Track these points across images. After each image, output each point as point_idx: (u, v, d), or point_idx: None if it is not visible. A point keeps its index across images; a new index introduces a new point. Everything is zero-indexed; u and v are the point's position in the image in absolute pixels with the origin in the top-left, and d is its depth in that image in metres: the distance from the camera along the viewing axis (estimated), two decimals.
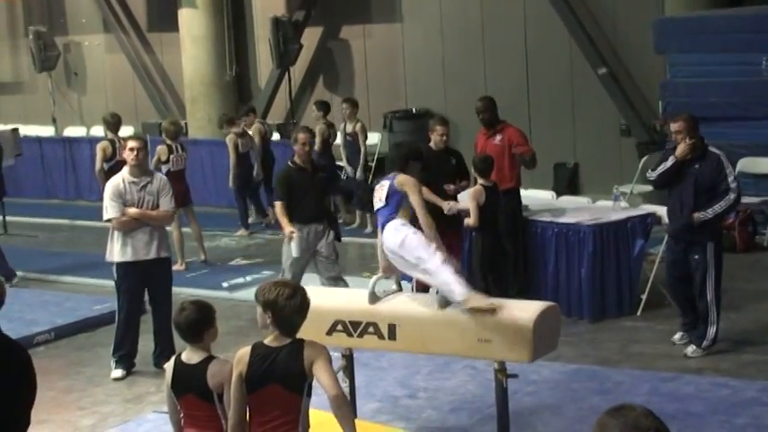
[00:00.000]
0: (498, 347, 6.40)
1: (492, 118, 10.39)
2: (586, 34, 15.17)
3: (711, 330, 8.63)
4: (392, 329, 6.66)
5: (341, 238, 10.00)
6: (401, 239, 6.65)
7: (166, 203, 8.99)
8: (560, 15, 15.26)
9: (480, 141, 10.47)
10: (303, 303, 4.94)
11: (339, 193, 14.37)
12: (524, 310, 6.48)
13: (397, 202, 6.79)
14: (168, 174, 11.14)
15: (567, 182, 15.28)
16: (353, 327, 6.77)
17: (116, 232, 8.84)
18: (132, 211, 8.81)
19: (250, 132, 14.58)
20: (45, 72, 19.43)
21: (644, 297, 9.89)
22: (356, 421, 5.00)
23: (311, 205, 9.42)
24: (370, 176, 13.89)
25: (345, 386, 6.74)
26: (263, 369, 4.88)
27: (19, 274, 12.16)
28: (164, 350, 8.79)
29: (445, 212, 9.47)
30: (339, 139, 14.12)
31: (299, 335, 4.97)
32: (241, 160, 14.11)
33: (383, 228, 6.82)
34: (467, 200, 9.81)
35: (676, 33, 13.07)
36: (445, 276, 6.49)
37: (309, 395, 4.94)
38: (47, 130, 19.25)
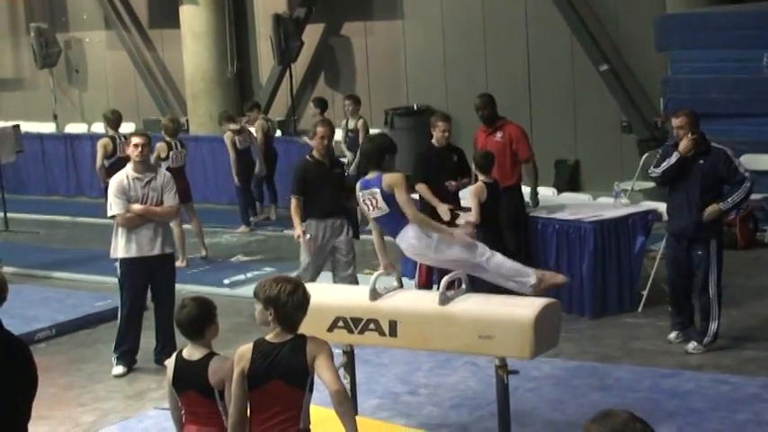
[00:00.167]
0: (499, 344, 6.41)
1: (492, 115, 10.38)
2: (588, 31, 15.16)
3: (713, 326, 8.64)
4: (393, 326, 6.67)
5: (359, 235, 9.90)
6: (434, 245, 6.84)
7: (171, 199, 8.99)
8: (562, 12, 15.25)
9: (480, 138, 10.46)
10: (304, 299, 4.94)
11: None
12: (525, 307, 6.48)
13: (398, 205, 6.86)
14: (168, 171, 11.12)
15: (568, 178, 15.28)
16: (354, 323, 6.77)
17: (120, 228, 8.85)
18: (137, 207, 8.81)
19: (253, 128, 14.59)
20: (46, 69, 19.42)
21: (645, 294, 9.90)
22: (357, 418, 5.01)
23: (328, 200, 9.27)
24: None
25: (346, 383, 6.73)
26: (265, 365, 4.88)
27: (20, 270, 12.16)
28: (165, 347, 8.80)
29: (442, 218, 9.41)
30: (340, 136, 14.11)
31: (300, 331, 4.97)
32: (240, 156, 14.11)
33: (396, 235, 6.97)
34: (468, 197, 9.81)
35: (678, 30, 13.07)
36: (509, 264, 6.91)
37: (311, 391, 4.94)
38: (48, 127, 19.25)
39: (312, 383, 4.92)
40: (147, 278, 8.94)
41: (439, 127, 10.02)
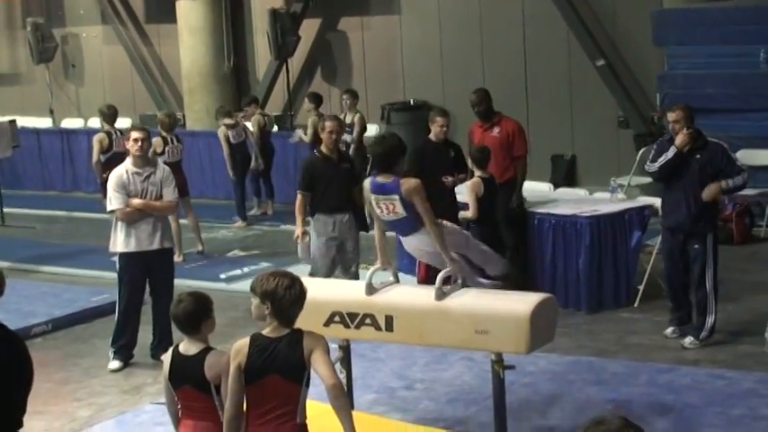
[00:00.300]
0: (495, 339, 6.41)
1: (488, 110, 10.37)
2: (584, 26, 15.15)
3: (709, 321, 8.65)
4: (389, 321, 6.67)
5: (368, 229, 9.86)
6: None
7: (170, 194, 8.98)
8: (558, 7, 15.24)
9: (477, 134, 10.45)
10: (301, 293, 4.94)
11: None
12: (521, 302, 6.49)
13: (415, 211, 6.85)
14: None
15: (565, 173, 15.27)
16: (351, 318, 6.78)
17: (119, 223, 8.84)
18: (136, 201, 8.80)
19: (249, 123, 14.56)
20: (42, 63, 19.41)
21: (641, 288, 9.90)
22: (353, 413, 5.01)
23: (335, 195, 9.21)
24: (368, 168, 13.84)
25: (342, 377, 6.74)
26: (262, 360, 4.88)
27: (16, 265, 12.15)
28: (161, 341, 8.79)
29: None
30: None
31: (296, 326, 4.97)
32: (235, 151, 14.08)
33: (405, 234, 7.03)
34: (465, 192, 9.80)
35: (675, 25, 13.07)
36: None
37: (308, 385, 4.94)
38: (44, 122, 19.24)
39: (309, 378, 4.92)
40: (146, 272, 8.93)
41: (437, 122, 10.01)
